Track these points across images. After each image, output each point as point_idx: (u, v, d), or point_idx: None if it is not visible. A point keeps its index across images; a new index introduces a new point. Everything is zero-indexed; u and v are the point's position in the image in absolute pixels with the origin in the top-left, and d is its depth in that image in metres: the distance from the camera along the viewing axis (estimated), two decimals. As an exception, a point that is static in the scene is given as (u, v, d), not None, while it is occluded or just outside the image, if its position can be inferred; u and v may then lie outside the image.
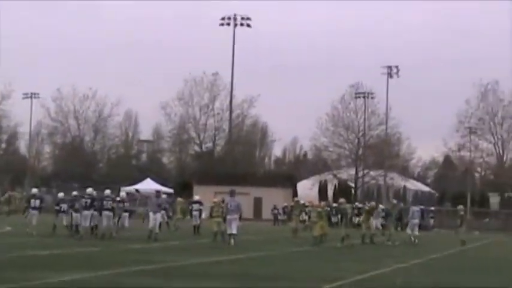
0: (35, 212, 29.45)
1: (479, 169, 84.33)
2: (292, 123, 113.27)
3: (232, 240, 26.15)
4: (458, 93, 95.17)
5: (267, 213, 62.14)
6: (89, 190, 29.02)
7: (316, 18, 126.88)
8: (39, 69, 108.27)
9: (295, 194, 65.82)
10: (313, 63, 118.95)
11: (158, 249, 24.25)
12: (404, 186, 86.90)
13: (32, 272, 15.11)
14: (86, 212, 27.65)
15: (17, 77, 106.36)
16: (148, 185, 63.57)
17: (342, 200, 32.29)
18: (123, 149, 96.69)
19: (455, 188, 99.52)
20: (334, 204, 34.23)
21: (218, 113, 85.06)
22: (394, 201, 43.21)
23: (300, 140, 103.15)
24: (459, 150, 74.33)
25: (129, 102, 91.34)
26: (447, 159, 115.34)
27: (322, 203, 32.81)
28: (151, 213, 28.25)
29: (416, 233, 31.42)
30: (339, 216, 29.85)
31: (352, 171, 78.62)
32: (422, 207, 54.80)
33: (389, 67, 76.00)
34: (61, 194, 32.13)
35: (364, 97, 78.18)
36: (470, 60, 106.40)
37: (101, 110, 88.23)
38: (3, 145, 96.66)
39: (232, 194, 27.81)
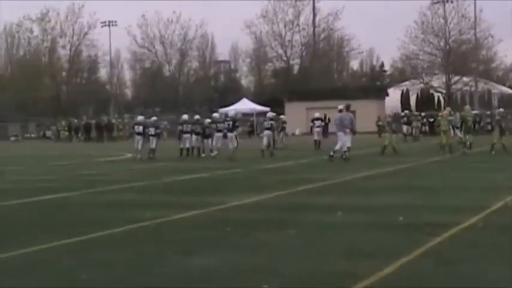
0: (140, 137, 29.93)
1: None
2: (375, 35, 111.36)
3: (347, 153, 25.90)
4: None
5: (362, 126, 61.04)
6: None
7: None
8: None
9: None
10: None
11: (292, 166, 23.94)
12: (489, 91, 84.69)
13: (207, 197, 14.75)
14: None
15: (100, 7, 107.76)
16: (245, 105, 63.56)
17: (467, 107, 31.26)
18: (202, 71, 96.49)
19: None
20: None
21: (303, 28, 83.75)
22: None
23: (377, 51, 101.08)
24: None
25: (212, 23, 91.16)
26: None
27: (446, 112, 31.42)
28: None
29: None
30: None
31: (441, 79, 76.66)
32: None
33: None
34: (185, 116, 32.95)
35: (446, 1, 75.29)
36: None
37: (186, 33, 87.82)
38: (85, 74, 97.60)
39: (347, 108, 27.68)
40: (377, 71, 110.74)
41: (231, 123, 29.37)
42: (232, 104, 66.58)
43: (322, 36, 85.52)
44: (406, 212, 11.52)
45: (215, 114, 34.49)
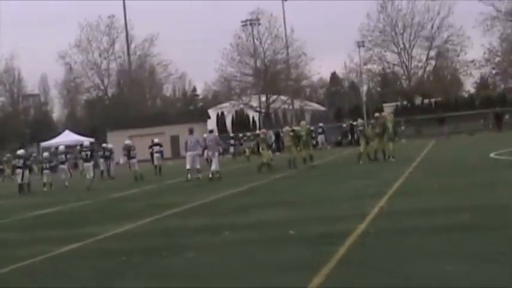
0: None
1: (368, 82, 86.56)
2: (187, 60, 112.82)
3: (199, 175, 26.79)
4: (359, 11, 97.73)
5: (185, 151, 61.26)
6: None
7: None
8: None
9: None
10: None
11: (141, 193, 23.52)
12: (302, 108, 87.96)
13: (77, 229, 14.12)
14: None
15: None
16: (69, 137, 61.93)
17: (303, 122, 32.17)
18: (10, 107, 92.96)
19: (348, 104, 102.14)
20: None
21: (120, 56, 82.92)
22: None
23: (189, 75, 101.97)
24: (365, 64, 75.39)
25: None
26: (334, 76, 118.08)
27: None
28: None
29: None
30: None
31: (260, 99, 78.60)
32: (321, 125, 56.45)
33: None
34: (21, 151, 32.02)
35: (254, 24, 77.37)
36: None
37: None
38: None
39: (191, 131, 28.68)
40: (190, 95, 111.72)
41: (89, 153, 29.33)
42: (55, 137, 64.59)
43: (139, 62, 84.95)
44: (292, 226, 11.54)
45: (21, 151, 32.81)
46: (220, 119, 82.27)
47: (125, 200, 21.33)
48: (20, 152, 31.56)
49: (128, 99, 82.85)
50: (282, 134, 30.18)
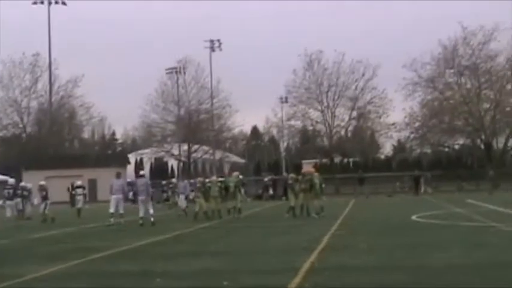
0: None
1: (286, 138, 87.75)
2: (114, 104, 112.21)
3: (121, 220, 26.53)
4: (285, 65, 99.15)
5: (102, 195, 60.29)
6: None
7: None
8: None
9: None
10: (136, 40, 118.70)
11: (62, 235, 22.91)
12: (221, 159, 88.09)
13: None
14: None
15: None
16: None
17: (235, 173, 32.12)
18: None
19: (267, 158, 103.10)
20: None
21: (42, 95, 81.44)
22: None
23: (108, 119, 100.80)
24: (289, 119, 76.08)
25: None
26: (254, 130, 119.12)
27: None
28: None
29: None
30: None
31: (183, 147, 78.34)
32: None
33: (212, 41, 76.57)
34: None
35: (179, 72, 77.55)
36: (295, 31, 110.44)
37: None
38: None
39: (118, 176, 28.66)
40: (109, 139, 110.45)
41: (11, 191, 29.26)
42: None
43: (61, 103, 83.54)
44: (225, 277, 11.41)
45: None
46: (139, 165, 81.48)
47: (45, 242, 20.73)
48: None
49: (46, 139, 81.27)
50: (208, 184, 29.81)
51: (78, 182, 38.22)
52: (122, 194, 27.23)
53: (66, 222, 30.28)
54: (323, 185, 28.87)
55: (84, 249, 16.98)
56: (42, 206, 31.04)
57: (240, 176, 31.82)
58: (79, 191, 37.18)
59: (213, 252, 15.83)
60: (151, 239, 19.57)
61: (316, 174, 29.22)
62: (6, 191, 29.29)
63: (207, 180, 30.92)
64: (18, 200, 33.30)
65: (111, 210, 26.60)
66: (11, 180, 30.39)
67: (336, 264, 12.79)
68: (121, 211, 26.77)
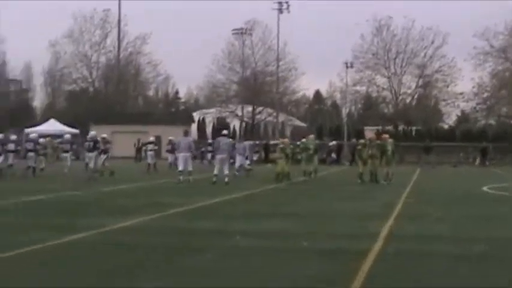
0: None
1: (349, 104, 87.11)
2: (179, 62, 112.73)
3: (190, 178, 26.56)
4: (353, 30, 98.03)
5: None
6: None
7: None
8: None
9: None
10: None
11: (135, 189, 23.30)
12: (283, 122, 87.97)
13: (78, 219, 13.91)
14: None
15: None
16: (53, 126, 61.41)
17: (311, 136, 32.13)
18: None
19: (328, 123, 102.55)
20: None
21: (110, 51, 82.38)
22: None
23: (173, 78, 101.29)
24: (354, 85, 75.61)
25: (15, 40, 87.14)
26: (317, 94, 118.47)
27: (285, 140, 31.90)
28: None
29: None
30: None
31: (246, 108, 78.55)
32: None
33: (280, 3, 75.96)
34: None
35: (245, 33, 77.34)
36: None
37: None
38: None
39: (186, 134, 29.01)
40: (172, 97, 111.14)
41: (91, 143, 29.44)
42: (37, 124, 64.01)
43: (129, 59, 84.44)
44: (303, 238, 11.43)
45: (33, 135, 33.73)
46: (201, 125, 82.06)
47: (117, 195, 21.09)
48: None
49: (113, 95, 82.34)
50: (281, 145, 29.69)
51: (151, 138, 38.70)
52: (189, 152, 27.35)
53: (133, 177, 30.80)
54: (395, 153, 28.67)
55: (158, 205, 17.21)
56: (103, 158, 31.51)
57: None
58: (150, 146, 37.54)
59: (285, 213, 15.89)
60: (222, 198, 19.74)
61: (390, 140, 28.93)
62: (87, 143, 29.73)
63: (279, 141, 30.96)
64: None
65: (180, 168, 26.84)
66: (92, 133, 30.81)
67: (413, 232, 12.71)
68: (190, 168, 26.99)
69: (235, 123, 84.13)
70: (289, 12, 76.09)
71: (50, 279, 8.08)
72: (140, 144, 52.67)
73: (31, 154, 30.20)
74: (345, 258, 9.71)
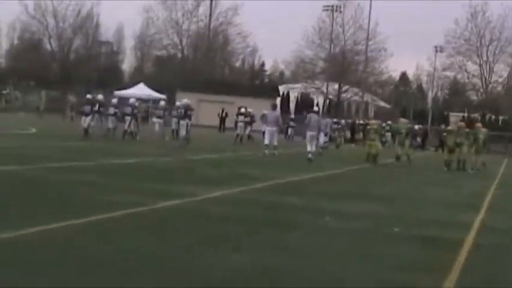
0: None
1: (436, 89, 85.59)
2: (273, 34, 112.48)
3: (275, 152, 26.66)
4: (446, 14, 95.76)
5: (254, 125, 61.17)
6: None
7: None
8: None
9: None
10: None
11: (220, 159, 23.53)
12: (367, 102, 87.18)
13: (170, 185, 14.13)
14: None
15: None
16: (142, 90, 62.43)
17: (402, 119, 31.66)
18: (83, 50, 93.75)
19: (412, 106, 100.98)
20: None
21: (201, 20, 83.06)
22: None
23: (259, 51, 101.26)
24: (444, 70, 74.27)
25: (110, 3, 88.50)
26: (403, 76, 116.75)
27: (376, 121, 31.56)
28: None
29: None
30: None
31: (332, 86, 78.19)
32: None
33: (374, -19, 75.19)
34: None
35: (336, 10, 76.67)
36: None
37: (80, 10, 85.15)
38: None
39: (273, 107, 29.37)
40: (258, 69, 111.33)
41: (183, 111, 29.66)
42: (126, 87, 65.16)
43: (218, 29, 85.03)
44: (393, 223, 11.32)
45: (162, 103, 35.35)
46: (285, 99, 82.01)
47: (205, 164, 21.34)
48: (88, 96, 31.90)
49: (201, 63, 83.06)
50: (369, 127, 29.44)
51: (242, 109, 38.64)
52: (276, 126, 27.41)
53: (219, 147, 31.06)
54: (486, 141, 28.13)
55: (245, 177, 17.37)
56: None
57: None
58: (241, 118, 37.62)
59: (372, 195, 15.76)
60: (308, 175, 19.74)
61: (483, 130, 28.36)
62: (180, 110, 30.14)
63: (367, 122, 30.67)
64: (174, 120, 34.13)
65: (266, 141, 26.92)
66: (185, 101, 30.96)
67: (506, 225, 12.46)
68: (275, 143, 27.06)
69: (318, 100, 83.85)
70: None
71: (152, 244, 8.22)
72: (224, 114, 53.04)
73: (128, 118, 30.81)
74: (438, 247, 9.60)
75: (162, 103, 34.91)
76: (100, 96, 32.16)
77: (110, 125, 30.66)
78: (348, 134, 51.33)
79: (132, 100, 32.65)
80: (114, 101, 32.41)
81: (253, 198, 13.39)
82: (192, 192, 13.09)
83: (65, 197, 11.42)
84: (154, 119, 33.00)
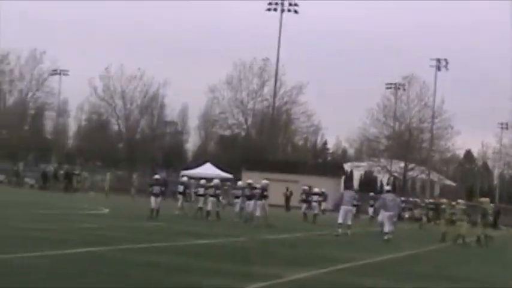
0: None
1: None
2: (335, 112, 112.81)
3: (348, 231, 26.47)
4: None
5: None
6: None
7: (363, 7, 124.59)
8: (88, 51, 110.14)
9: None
10: (357, 52, 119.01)
11: (294, 239, 23.42)
12: (432, 180, 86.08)
13: (253, 267, 14.11)
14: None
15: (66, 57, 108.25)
16: (209, 169, 63.02)
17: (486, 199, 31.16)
18: (148, 130, 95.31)
19: (479, 184, 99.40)
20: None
21: (266, 99, 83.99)
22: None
23: (322, 129, 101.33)
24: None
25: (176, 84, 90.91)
26: (468, 154, 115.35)
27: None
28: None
29: None
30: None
31: (397, 164, 77.81)
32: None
33: (439, 60, 75.16)
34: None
35: (398, 88, 76.87)
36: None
37: (147, 91, 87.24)
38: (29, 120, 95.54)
39: (349, 187, 28.75)
40: (320, 148, 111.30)
41: (260, 191, 30.44)
42: (192, 167, 65.93)
43: (283, 108, 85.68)
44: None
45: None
46: (350, 177, 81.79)
47: (280, 244, 21.30)
48: (156, 177, 32.37)
49: (265, 142, 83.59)
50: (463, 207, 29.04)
51: (316, 189, 38.92)
52: (351, 205, 27.42)
53: (290, 226, 30.98)
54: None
55: (323, 258, 17.28)
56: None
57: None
58: (315, 197, 37.82)
59: (454, 277, 15.53)
60: (387, 256, 19.52)
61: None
62: (256, 190, 30.89)
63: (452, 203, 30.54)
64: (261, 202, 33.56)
65: (340, 220, 26.70)
66: (264, 182, 31.49)
67: None
68: (349, 222, 26.86)
69: (382, 178, 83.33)
70: (447, 69, 75.26)
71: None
72: (289, 193, 53.10)
73: (212, 199, 31.67)
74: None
75: (216, 181, 34.31)
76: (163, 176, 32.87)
77: (200, 204, 31.76)
78: (430, 214, 50.27)
79: (216, 181, 33.37)
80: (185, 179, 33.38)
81: (338, 281, 13.30)
82: (277, 274, 13.05)
83: (154, 279, 11.50)
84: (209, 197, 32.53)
